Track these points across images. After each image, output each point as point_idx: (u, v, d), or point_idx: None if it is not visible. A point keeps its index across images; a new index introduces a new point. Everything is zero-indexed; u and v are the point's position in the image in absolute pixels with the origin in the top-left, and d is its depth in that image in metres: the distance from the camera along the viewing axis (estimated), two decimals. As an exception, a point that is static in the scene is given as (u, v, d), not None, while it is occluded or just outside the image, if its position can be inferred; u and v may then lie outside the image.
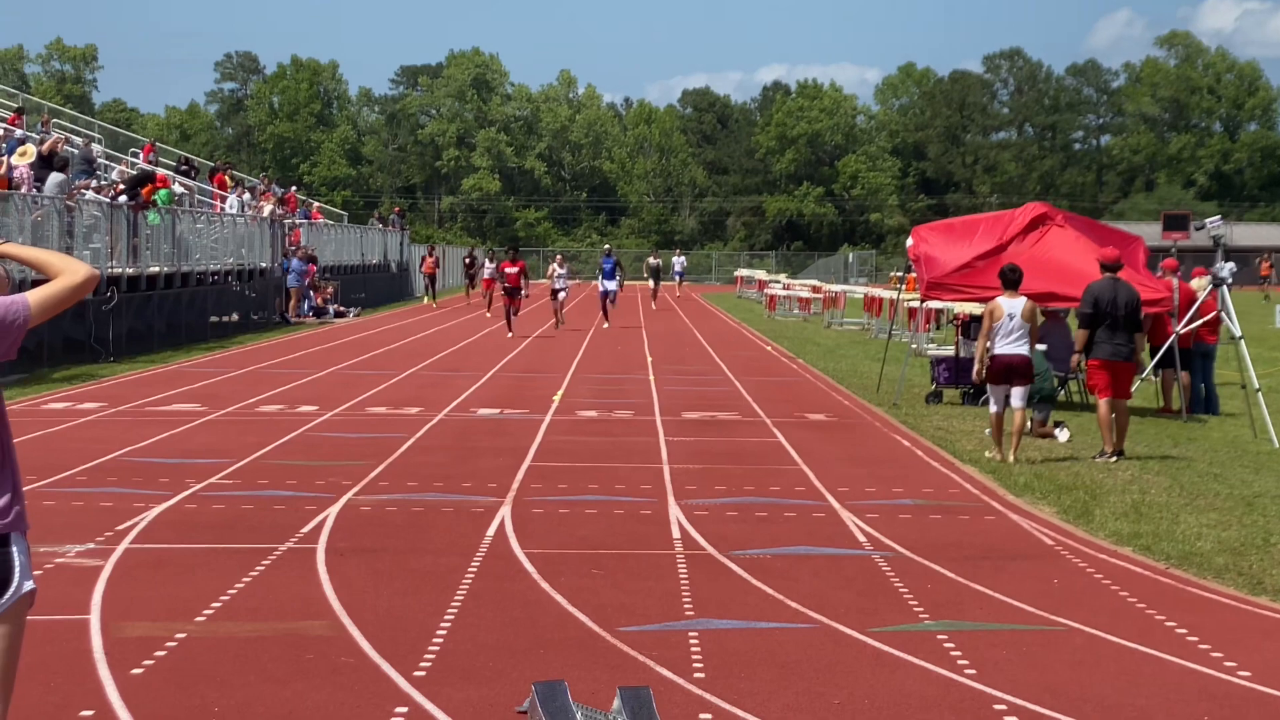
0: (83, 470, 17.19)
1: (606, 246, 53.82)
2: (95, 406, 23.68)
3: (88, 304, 33.53)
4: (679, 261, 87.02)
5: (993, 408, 19.42)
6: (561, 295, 48.55)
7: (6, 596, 5.57)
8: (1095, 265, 22.96)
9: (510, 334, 43.66)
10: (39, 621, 9.94)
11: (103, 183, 42.21)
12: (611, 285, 52.90)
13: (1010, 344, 19.21)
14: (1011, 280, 19.65)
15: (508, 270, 45.32)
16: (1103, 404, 19.54)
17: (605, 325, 49.08)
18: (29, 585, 5.63)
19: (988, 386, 19.72)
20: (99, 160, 48.23)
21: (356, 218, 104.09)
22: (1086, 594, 11.70)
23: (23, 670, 8.67)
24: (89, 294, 5.70)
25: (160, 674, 9.04)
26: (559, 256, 50.72)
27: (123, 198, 39.07)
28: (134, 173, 45.70)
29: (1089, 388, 19.72)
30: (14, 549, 5.59)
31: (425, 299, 69.99)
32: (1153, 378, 25.74)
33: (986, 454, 19.25)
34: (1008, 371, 19.20)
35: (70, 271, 5.67)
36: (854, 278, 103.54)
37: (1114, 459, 19.07)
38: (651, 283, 72.60)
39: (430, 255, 71.45)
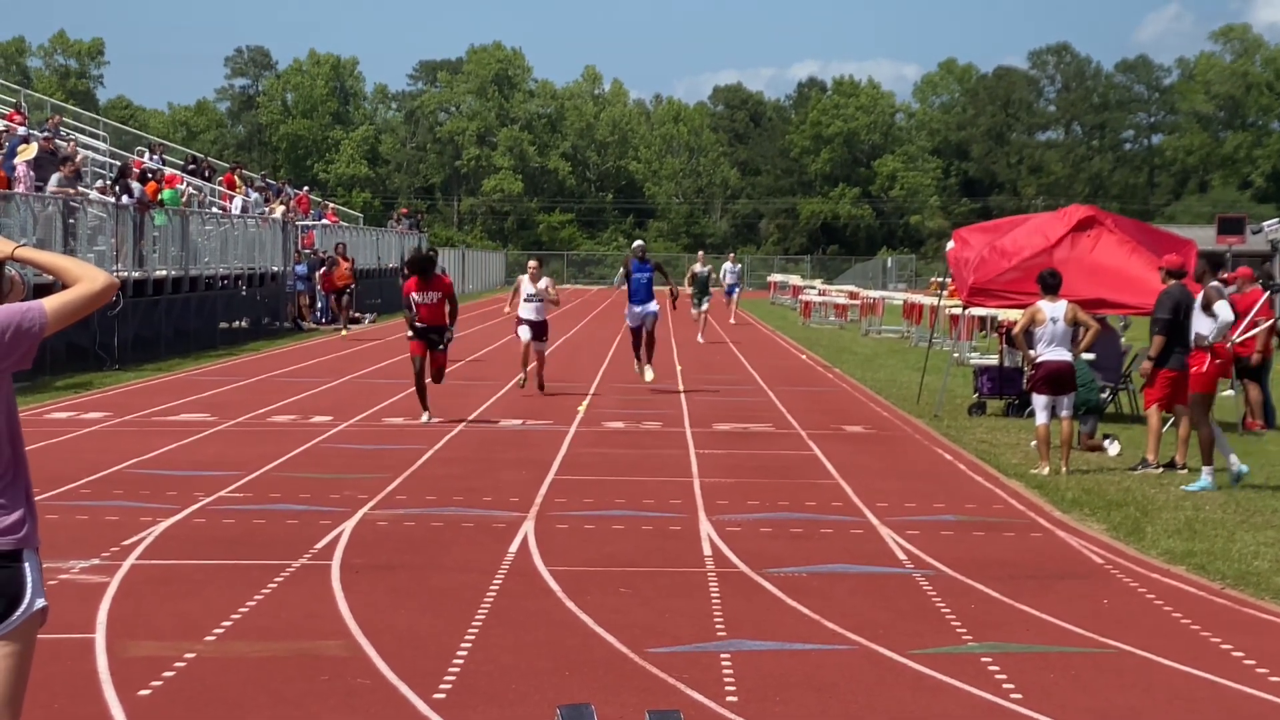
0: (87, 483, 17.24)
1: (638, 244, 32.39)
2: (100, 416, 23.74)
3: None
4: (732, 271, 62.99)
5: (1040, 419, 19.37)
6: (527, 337, 28.94)
7: (17, 614, 5.60)
8: (1146, 270, 22.96)
9: (427, 417, 24.26)
10: (42, 640, 9.94)
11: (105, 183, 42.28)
12: (648, 308, 30.21)
13: (1055, 350, 19.20)
14: (1051, 285, 19.65)
15: (414, 298, 24.71)
16: (1156, 414, 19.49)
17: (649, 376, 29.75)
18: (41, 603, 5.66)
19: (1033, 397, 19.70)
20: (90, 157, 48.34)
21: (374, 219, 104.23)
22: (1138, 615, 11.68)
23: (27, 691, 8.72)
24: (109, 302, 5.71)
25: (168, 696, 9.06)
26: (532, 265, 29.85)
27: (126, 197, 39.12)
28: (117, 163, 45.89)
29: (1149, 397, 19.55)
30: (26, 565, 5.62)
31: (342, 329, 49.19)
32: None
33: (1032, 470, 19.19)
34: (1054, 379, 19.18)
35: (89, 279, 5.68)
36: (893, 283, 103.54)
37: (1159, 470, 19.07)
38: (696, 302, 49.12)
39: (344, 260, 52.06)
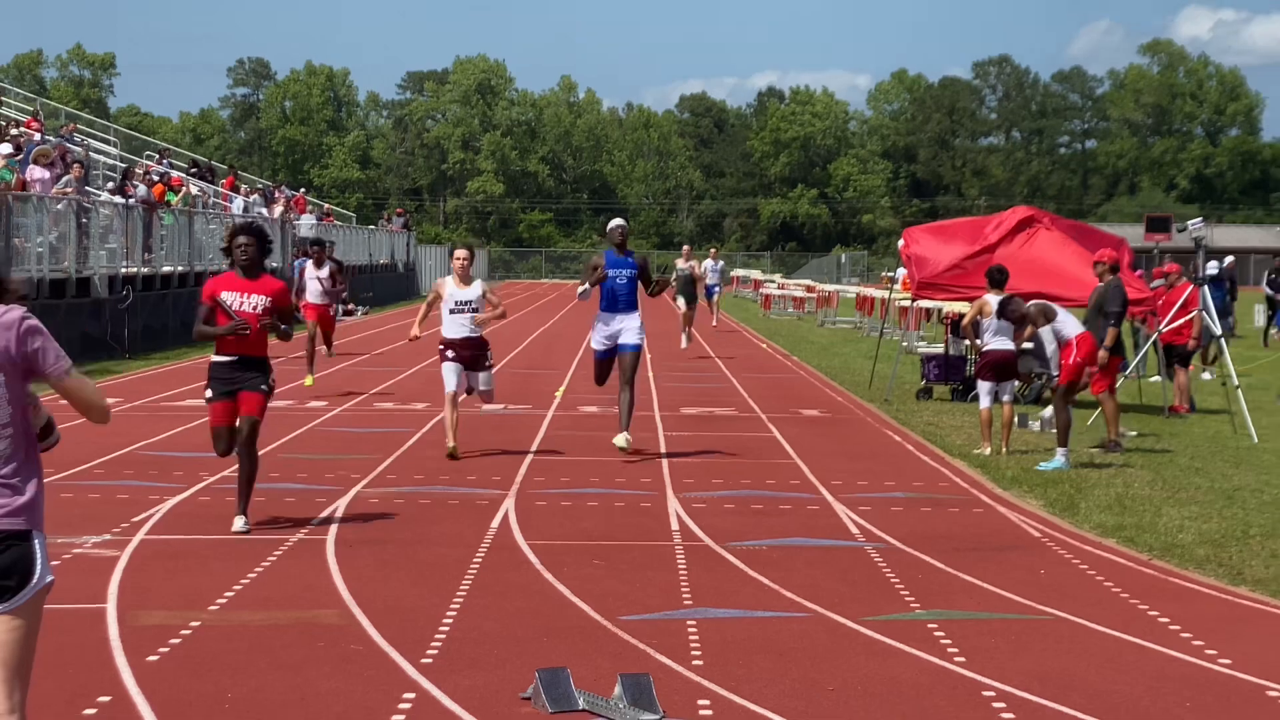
0: (100, 464, 17.20)
1: (616, 223, 19.31)
2: (112, 402, 23.59)
3: (104, 302, 33.56)
4: (714, 269, 50.12)
5: (983, 403, 19.40)
6: (453, 384, 18.32)
7: (28, 589, 5.59)
8: (1081, 266, 22.99)
9: (243, 523, 13.41)
10: (58, 610, 9.95)
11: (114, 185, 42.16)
12: (626, 326, 18.59)
13: (999, 340, 19.23)
14: (998, 280, 19.69)
15: (226, 300, 13.53)
16: (1110, 398, 19.54)
17: (625, 443, 18.36)
18: (49, 578, 5.66)
19: (978, 383, 19.74)
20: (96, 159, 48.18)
21: (366, 219, 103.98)
22: (1072, 584, 11.70)
23: (42, 657, 8.68)
24: (98, 422, 6.01)
25: (175, 661, 9.04)
26: (461, 256, 18.70)
27: (128, 199, 39.00)
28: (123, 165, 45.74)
29: (1099, 383, 19.53)
30: (35, 543, 5.62)
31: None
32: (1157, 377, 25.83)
33: (975, 450, 19.23)
34: (997, 367, 19.21)
35: (99, 411, 5.99)
36: (846, 278, 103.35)
37: (1119, 450, 19.12)
38: (683, 303, 39.54)
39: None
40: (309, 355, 26.29)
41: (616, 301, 18.63)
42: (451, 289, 18.35)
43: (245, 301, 13.37)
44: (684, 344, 38.17)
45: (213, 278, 14.02)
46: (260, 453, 13.97)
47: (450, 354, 18.19)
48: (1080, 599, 11.11)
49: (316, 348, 26.80)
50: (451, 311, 18.18)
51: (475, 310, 18.23)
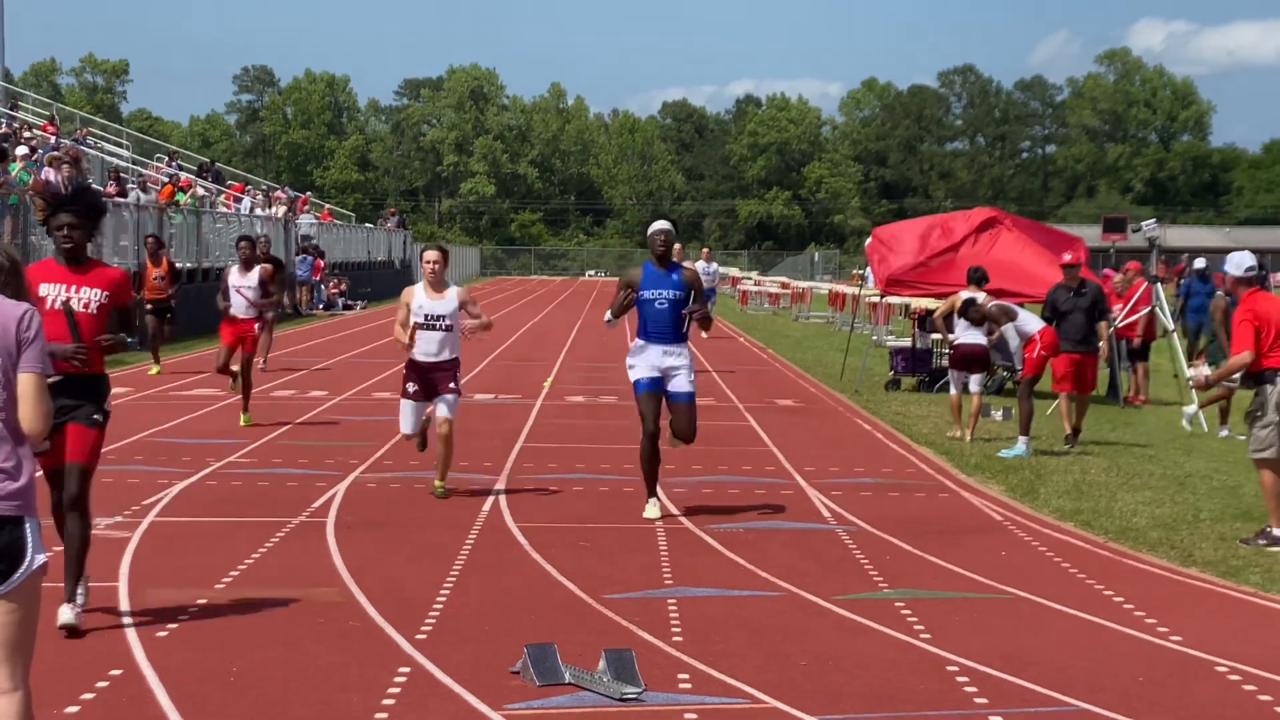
0: (112, 450, 17.13)
1: (659, 226, 13.54)
2: (123, 391, 23.58)
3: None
4: (707, 271, 40.89)
5: (952, 390, 19.45)
6: (410, 424, 14.42)
7: (19, 573, 5.56)
8: (1041, 264, 23.03)
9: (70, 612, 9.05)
10: (71, 588, 9.94)
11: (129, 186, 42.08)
12: (682, 383, 13.37)
13: (970, 334, 19.24)
14: (975, 280, 19.71)
15: (49, 294, 9.27)
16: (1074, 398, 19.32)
17: (658, 513, 13.40)
18: (41, 558, 5.62)
19: (950, 372, 19.75)
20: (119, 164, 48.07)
21: (365, 218, 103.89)
22: (1032, 565, 11.72)
23: (55, 632, 8.70)
24: (31, 431, 5.72)
25: (183, 636, 9.03)
26: (432, 260, 14.11)
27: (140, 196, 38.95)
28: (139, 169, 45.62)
29: (1058, 379, 19.20)
30: (26, 528, 5.59)
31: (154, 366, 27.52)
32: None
33: (948, 432, 19.29)
34: (967, 359, 19.22)
35: (43, 422, 5.72)
36: (819, 275, 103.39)
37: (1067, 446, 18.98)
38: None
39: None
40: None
41: (658, 330, 13.36)
42: (421, 299, 14.04)
43: (75, 298, 9.32)
44: None
45: (31, 266, 8.90)
46: (261, 441, 13.79)
47: (412, 386, 14.05)
48: (1039, 579, 11.13)
49: (231, 369, 19.92)
50: (419, 327, 13.93)
51: (449, 328, 14.00)
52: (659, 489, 13.64)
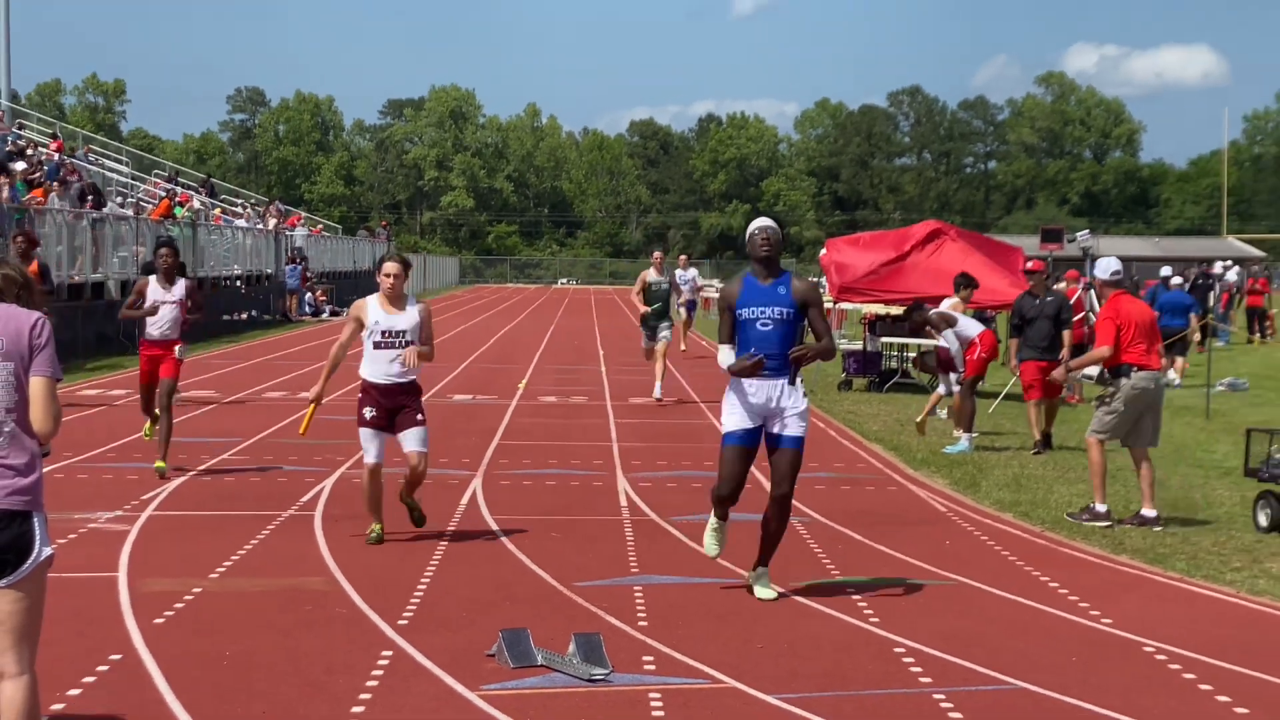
0: (112, 448, 17.11)
1: (761, 227, 9.96)
2: (123, 393, 23.52)
3: (117, 304, 33.32)
4: (685, 278, 36.60)
5: (941, 389, 19.45)
6: (375, 454, 11.85)
7: (28, 564, 5.55)
8: (984, 272, 23.07)
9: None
10: (75, 578, 9.93)
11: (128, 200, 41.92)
12: (793, 426, 10.11)
13: (943, 339, 19.24)
14: (958, 285, 19.81)
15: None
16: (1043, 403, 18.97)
17: (771, 593, 10.04)
18: (48, 551, 5.62)
19: (939, 375, 19.67)
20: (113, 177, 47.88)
21: (350, 231, 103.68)
22: (974, 553, 11.76)
23: (60, 619, 8.67)
24: (43, 431, 5.74)
25: (179, 623, 9.01)
26: (391, 271, 11.75)
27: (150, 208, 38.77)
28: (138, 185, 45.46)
29: (1027, 387, 18.85)
30: (35, 522, 5.59)
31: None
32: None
33: (956, 431, 18.95)
34: (943, 362, 19.26)
35: (54, 423, 5.76)
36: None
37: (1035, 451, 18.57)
38: (648, 331, 24.10)
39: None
40: (146, 408, 15.86)
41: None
42: (378, 314, 11.77)
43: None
44: (657, 391, 23.77)
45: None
46: (255, 439, 13.71)
47: (370, 412, 11.72)
48: (981, 566, 11.17)
49: (155, 410, 15.55)
50: (377, 345, 11.75)
51: (410, 342, 11.69)
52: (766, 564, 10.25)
